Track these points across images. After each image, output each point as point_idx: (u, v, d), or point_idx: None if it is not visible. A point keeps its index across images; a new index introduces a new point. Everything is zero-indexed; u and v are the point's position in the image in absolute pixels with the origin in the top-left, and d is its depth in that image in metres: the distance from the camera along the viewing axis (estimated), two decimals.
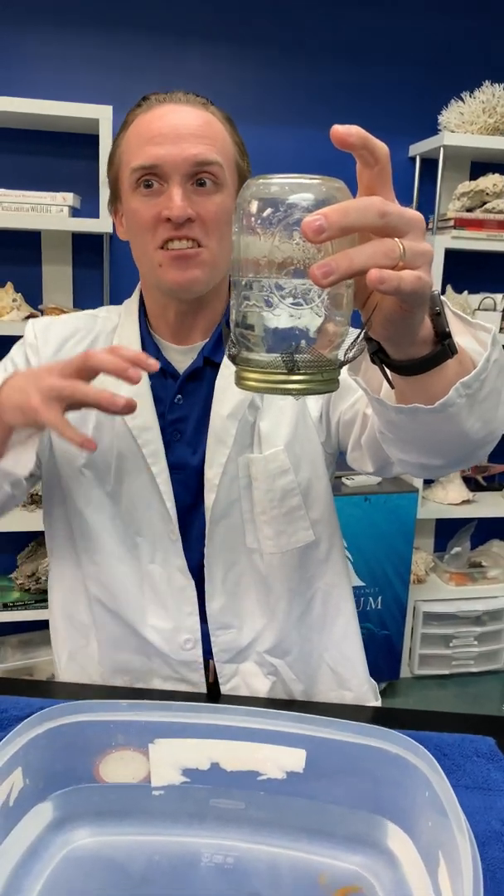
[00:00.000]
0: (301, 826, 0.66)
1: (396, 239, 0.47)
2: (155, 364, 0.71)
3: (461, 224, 2.21)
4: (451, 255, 2.25)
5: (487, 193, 2.25)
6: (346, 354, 0.51)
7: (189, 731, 0.67)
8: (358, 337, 0.53)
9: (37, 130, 2.16)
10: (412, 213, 0.48)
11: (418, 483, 2.37)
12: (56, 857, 0.63)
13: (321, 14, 2.28)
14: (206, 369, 0.94)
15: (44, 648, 2.29)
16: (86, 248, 2.27)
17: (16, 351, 0.98)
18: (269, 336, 0.48)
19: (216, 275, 0.89)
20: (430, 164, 2.37)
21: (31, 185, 2.07)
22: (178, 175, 0.83)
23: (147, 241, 0.86)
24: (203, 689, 0.96)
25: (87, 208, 2.12)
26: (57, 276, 2.28)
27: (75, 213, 2.06)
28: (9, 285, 2.13)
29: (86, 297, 2.31)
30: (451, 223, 2.22)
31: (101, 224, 2.01)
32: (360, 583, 2.28)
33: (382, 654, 2.38)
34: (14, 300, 2.12)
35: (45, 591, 2.14)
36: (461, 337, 0.62)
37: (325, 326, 0.48)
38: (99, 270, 2.28)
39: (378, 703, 1.06)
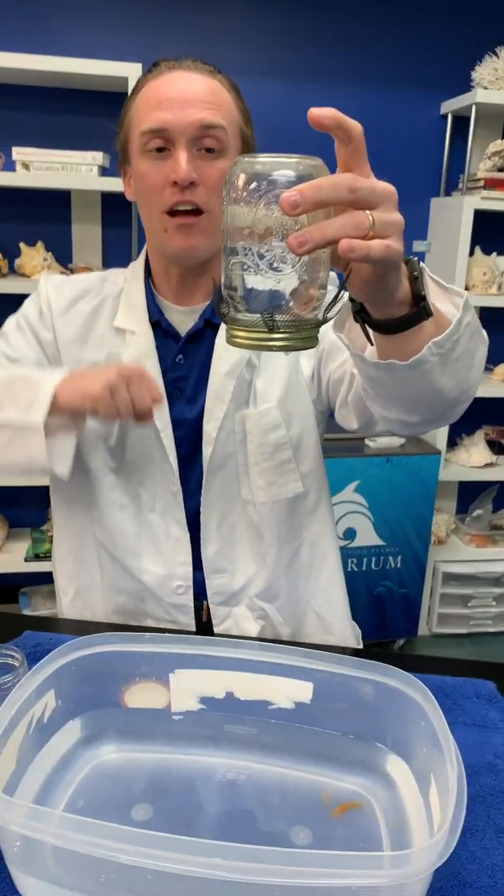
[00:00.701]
0: (307, 751, 0.72)
1: (367, 211, 0.52)
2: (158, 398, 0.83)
3: (491, 184, 2.19)
4: (479, 215, 2.23)
5: None
6: (325, 314, 0.56)
7: (206, 663, 0.73)
8: (336, 297, 0.58)
9: (66, 89, 2.17)
10: (383, 186, 0.53)
11: (441, 445, 2.39)
12: (84, 769, 0.70)
13: None
14: (206, 330, 0.99)
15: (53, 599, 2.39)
16: (115, 208, 2.29)
17: (29, 305, 1.03)
18: (252, 297, 0.54)
19: (217, 240, 0.92)
20: (461, 121, 2.34)
21: (60, 144, 2.09)
22: (185, 139, 0.87)
23: (154, 204, 0.90)
24: (193, 629, 1.02)
25: (117, 167, 2.14)
26: (86, 235, 2.31)
27: (104, 172, 2.08)
28: (39, 244, 2.17)
29: (115, 257, 2.34)
30: (481, 183, 2.20)
31: None
32: (380, 542, 2.33)
33: (401, 612, 2.44)
34: (45, 259, 2.16)
35: None
36: (440, 302, 0.68)
37: (301, 289, 0.54)
38: (128, 230, 2.30)
39: (360, 647, 1.12)
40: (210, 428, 0.97)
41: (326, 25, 2.27)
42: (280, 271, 0.52)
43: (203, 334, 0.99)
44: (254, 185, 0.51)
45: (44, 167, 2.03)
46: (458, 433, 2.64)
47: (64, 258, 2.28)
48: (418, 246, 2.49)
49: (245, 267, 0.53)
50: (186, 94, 0.87)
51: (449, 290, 0.69)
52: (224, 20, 2.22)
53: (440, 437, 2.40)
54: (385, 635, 2.45)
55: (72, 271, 2.21)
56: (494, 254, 2.35)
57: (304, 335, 0.55)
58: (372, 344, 0.67)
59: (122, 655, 0.73)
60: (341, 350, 0.94)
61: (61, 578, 1.09)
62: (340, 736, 0.72)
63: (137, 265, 1.03)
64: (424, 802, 0.63)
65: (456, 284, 2.21)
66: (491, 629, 2.63)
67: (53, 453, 0.86)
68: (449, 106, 2.33)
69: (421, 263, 0.62)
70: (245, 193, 0.52)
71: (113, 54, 2.14)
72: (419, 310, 0.61)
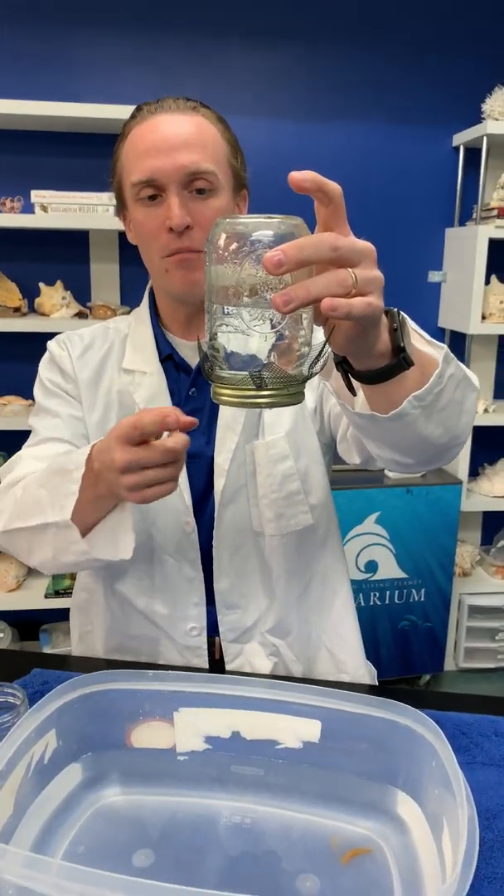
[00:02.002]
0: (315, 792, 0.70)
1: (349, 269, 0.52)
2: (190, 421, 0.71)
3: None
4: (494, 244, 2.22)
5: None
6: (310, 369, 0.57)
7: (211, 701, 0.71)
8: (320, 353, 0.58)
9: (83, 133, 2.23)
10: (363, 245, 0.53)
11: (462, 475, 2.36)
12: (87, 812, 0.68)
13: (360, 4, 2.28)
14: None
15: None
16: (132, 247, 2.31)
17: (46, 366, 1.04)
18: (239, 357, 0.55)
19: None
20: (473, 153, 2.35)
21: (77, 187, 2.14)
22: (174, 184, 0.88)
23: (153, 249, 0.92)
24: (206, 667, 1.00)
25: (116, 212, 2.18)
26: (105, 274, 2.35)
27: None
28: (58, 284, 2.20)
29: (132, 295, 2.37)
30: (495, 213, 2.20)
31: None
32: (402, 575, 2.29)
33: (426, 647, 2.38)
34: (63, 298, 2.20)
35: None
36: (425, 347, 0.68)
37: (287, 347, 0.54)
38: (145, 269, 2.33)
39: (374, 685, 1.09)
40: (221, 460, 0.97)
41: (339, 63, 2.31)
42: (266, 330, 0.53)
43: None
44: (235, 245, 0.52)
45: (61, 209, 2.07)
46: (480, 462, 2.60)
47: (83, 297, 2.32)
48: (434, 276, 2.49)
49: (230, 326, 0.54)
50: (171, 139, 0.88)
51: (431, 343, 0.70)
52: (237, 61, 2.28)
53: (462, 466, 2.37)
54: (410, 671, 2.39)
55: (90, 310, 2.25)
56: None
57: (291, 391, 0.56)
58: (354, 394, 0.67)
59: (126, 693, 0.71)
60: None
61: (74, 617, 1.09)
62: (350, 776, 0.69)
63: (142, 309, 1.05)
64: (437, 848, 0.60)
65: (472, 313, 2.22)
66: None
67: (105, 542, 0.81)
68: (461, 138, 2.34)
69: (402, 314, 0.62)
70: (228, 254, 0.53)
71: (126, 98, 2.20)
72: (399, 361, 0.62)
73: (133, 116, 0.93)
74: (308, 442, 1.01)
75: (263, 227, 0.52)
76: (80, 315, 2.21)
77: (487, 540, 2.69)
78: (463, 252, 2.30)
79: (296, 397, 0.57)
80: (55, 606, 2.23)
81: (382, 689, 0.90)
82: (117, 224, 2.10)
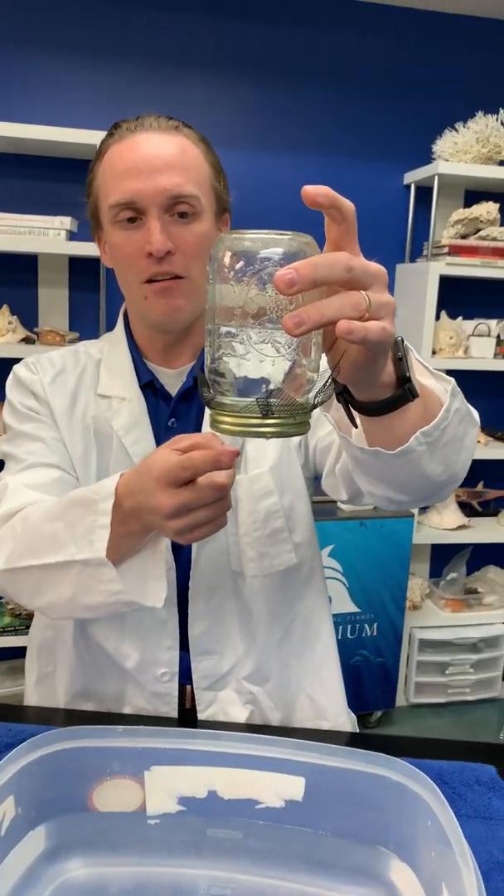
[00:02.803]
0: (300, 856, 0.64)
1: (362, 291, 0.49)
2: (235, 452, 0.67)
3: (455, 251, 2.24)
4: (445, 281, 2.27)
5: (481, 221, 2.27)
6: (316, 398, 0.53)
7: (186, 758, 0.65)
8: (327, 381, 0.55)
9: (35, 155, 2.18)
10: (376, 267, 0.51)
11: (414, 508, 2.36)
12: (48, 888, 0.61)
13: (319, 45, 2.32)
14: (195, 390, 0.94)
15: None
16: (82, 272, 2.28)
17: (14, 390, 0.96)
18: (244, 382, 0.51)
19: (200, 301, 0.89)
20: (424, 191, 2.40)
21: (29, 209, 2.09)
22: (155, 208, 0.83)
23: (131, 274, 0.87)
24: (174, 716, 0.94)
25: (85, 232, 2.13)
26: (53, 299, 2.28)
27: (72, 236, 2.07)
28: (5, 308, 2.13)
29: (82, 321, 2.31)
30: (446, 250, 2.25)
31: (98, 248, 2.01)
32: (355, 609, 2.26)
33: (378, 682, 2.35)
34: (10, 323, 2.13)
35: None
36: (427, 379, 0.66)
37: (296, 372, 0.51)
38: (95, 294, 2.29)
39: (356, 732, 1.05)
40: None
41: (295, 101, 2.34)
42: (274, 354, 0.49)
43: (193, 393, 0.94)
44: (242, 263, 0.49)
45: (11, 231, 2.01)
46: None
47: (30, 322, 2.25)
48: None
49: (235, 349, 0.50)
50: (152, 160, 0.83)
51: (436, 376, 0.67)
52: (192, 90, 2.28)
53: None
54: (362, 707, 2.35)
55: (38, 335, 2.18)
56: (460, 318, 2.38)
57: (297, 420, 0.52)
58: (356, 426, 0.64)
59: (92, 752, 0.65)
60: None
61: (33, 657, 1.00)
62: (336, 838, 0.64)
63: (116, 333, 0.99)
64: None
65: (423, 349, 2.24)
66: (470, 697, 2.55)
67: (138, 583, 0.75)
68: (412, 177, 2.39)
69: (405, 343, 0.59)
70: (233, 272, 0.49)
71: (81, 122, 2.17)
72: (404, 391, 0.58)
73: (111, 134, 0.88)
74: (293, 477, 0.96)
75: (273, 243, 0.49)
76: (26, 340, 2.14)
77: (436, 573, 2.70)
78: (414, 288, 2.34)
79: (301, 427, 0.53)
80: None
81: (364, 738, 0.85)
82: (68, 248, 2.06)
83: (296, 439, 0.96)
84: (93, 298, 2.30)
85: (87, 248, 2.04)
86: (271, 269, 0.47)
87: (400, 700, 2.48)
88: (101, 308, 2.27)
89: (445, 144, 2.31)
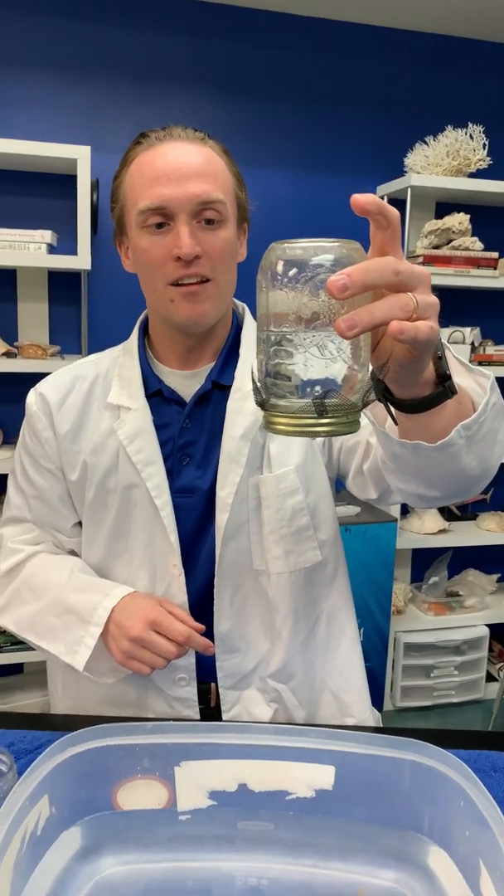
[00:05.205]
0: (333, 845, 0.65)
1: (409, 293, 0.52)
2: (206, 645, 0.87)
3: (429, 260, 2.29)
4: None
5: (454, 231, 2.33)
6: (365, 397, 0.55)
7: (215, 752, 0.66)
8: (375, 380, 0.57)
9: (16, 171, 2.17)
10: (420, 270, 0.53)
11: (396, 513, 2.39)
12: (85, 887, 0.61)
13: (294, 63, 2.37)
14: (212, 392, 0.96)
15: (19, 693, 2.23)
16: (62, 286, 2.28)
17: (25, 433, 1.01)
18: (300, 384, 0.53)
19: (223, 305, 0.92)
20: (396, 203, 2.45)
21: (9, 224, 2.08)
22: (185, 214, 0.85)
23: (157, 278, 0.88)
24: (197, 718, 0.95)
25: (64, 246, 2.14)
26: (33, 312, 2.27)
27: (52, 250, 2.07)
28: None
29: (62, 334, 2.31)
30: (420, 260, 2.30)
31: (79, 261, 2.02)
32: None
33: None
34: None
35: None
36: (462, 378, 0.69)
37: (349, 373, 0.53)
38: (75, 307, 2.28)
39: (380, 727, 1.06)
40: (225, 494, 0.92)
41: (271, 116, 2.38)
42: (328, 356, 0.52)
43: (210, 396, 0.96)
44: (294, 270, 0.51)
45: None
46: None
47: (10, 336, 2.23)
48: None
49: (290, 353, 0.52)
50: (182, 167, 0.85)
51: (473, 370, 0.70)
52: (169, 106, 2.30)
53: (394, 504, 2.41)
54: None
55: (18, 349, 2.16)
56: None
57: (349, 419, 0.54)
58: (396, 423, 0.66)
59: (122, 749, 0.65)
60: None
61: (51, 672, 1.02)
62: (367, 824, 0.65)
63: (131, 341, 1.01)
64: (474, 893, 0.57)
65: None
66: (455, 699, 2.58)
67: (92, 670, 0.91)
68: (385, 189, 2.45)
69: (443, 341, 0.61)
70: (286, 279, 0.51)
71: (62, 137, 2.17)
72: (444, 389, 0.61)
73: (137, 143, 0.90)
74: (317, 476, 0.97)
75: (324, 251, 0.51)
76: (7, 354, 2.13)
77: (418, 577, 2.73)
78: None
79: (353, 426, 0.55)
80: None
81: (388, 732, 0.86)
82: (47, 262, 2.06)
83: (319, 440, 0.98)
84: (72, 312, 2.29)
85: (68, 262, 2.04)
86: (323, 276, 0.49)
87: (387, 705, 2.49)
88: (82, 321, 2.27)
89: (417, 158, 2.36)
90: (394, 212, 0.53)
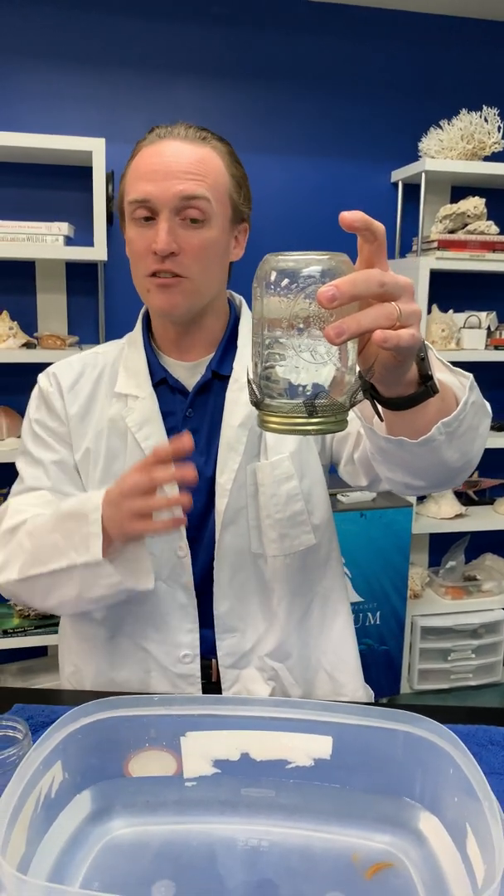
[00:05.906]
0: (330, 811, 0.69)
1: (394, 303, 0.56)
2: (192, 476, 0.81)
3: (444, 245, 2.29)
4: (435, 275, 2.32)
5: (469, 215, 2.33)
6: (352, 398, 0.59)
7: (219, 724, 0.69)
8: (361, 382, 0.61)
9: (32, 164, 2.21)
10: (404, 280, 0.57)
11: (412, 498, 2.41)
12: (96, 846, 0.65)
13: (308, 49, 2.37)
14: (213, 382, 1.00)
15: (43, 675, 2.29)
16: (80, 276, 2.32)
17: (34, 404, 1.04)
18: (290, 386, 0.57)
19: (199, 299, 0.96)
20: (411, 188, 2.45)
21: (26, 216, 2.12)
22: (167, 210, 0.89)
23: (139, 268, 0.94)
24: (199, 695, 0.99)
25: (81, 237, 2.17)
26: (52, 304, 2.32)
27: (69, 242, 2.11)
28: (4, 314, 2.16)
29: (80, 325, 2.35)
30: (435, 244, 2.30)
31: (95, 252, 2.05)
32: (358, 598, 2.31)
33: (382, 670, 2.40)
34: (10, 328, 2.16)
35: (44, 618, 2.15)
36: (444, 374, 0.73)
37: (337, 376, 0.57)
38: (93, 298, 2.32)
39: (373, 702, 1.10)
40: (224, 480, 0.97)
41: (285, 101, 2.38)
42: (317, 360, 0.56)
43: (210, 385, 1.00)
44: (287, 281, 0.55)
45: (9, 238, 2.04)
46: None
47: (29, 327, 2.28)
48: None
49: (282, 357, 0.56)
50: (171, 165, 0.89)
51: (454, 371, 0.74)
52: (181, 95, 2.32)
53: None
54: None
55: (38, 339, 2.21)
56: (451, 311, 2.43)
57: (338, 419, 0.58)
58: (382, 420, 0.70)
59: (131, 720, 0.69)
60: None
61: (63, 650, 1.06)
62: (363, 792, 0.69)
63: (135, 332, 1.05)
64: (462, 856, 0.60)
65: None
66: (472, 682, 2.60)
67: (129, 572, 0.88)
68: (399, 174, 2.44)
69: (426, 343, 0.66)
70: (280, 289, 0.55)
71: (77, 129, 2.21)
72: (426, 388, 0.65)
73: (145, 137, 0.94)
74: (311, 463, 1.01)
75: (315, 263, 0.55)
76: (27, 345, 2.17)
77: (435, 562, 2.75)
78: None
79: (341, 424, 0.59)
80: (2, 647, 2.14)
81: (381, 707, 0.90)
82: (65, 254, 2.10)
83: None
84: (90, 302, 2.33)
85: (84, 253, 2.07)
86: (314, 286, 0.53)
87: (404, 687, 2.52)
88: (99, 311, 2.31)
89: (431, 142, 2.36)
90: (379, 226, 0.56)
